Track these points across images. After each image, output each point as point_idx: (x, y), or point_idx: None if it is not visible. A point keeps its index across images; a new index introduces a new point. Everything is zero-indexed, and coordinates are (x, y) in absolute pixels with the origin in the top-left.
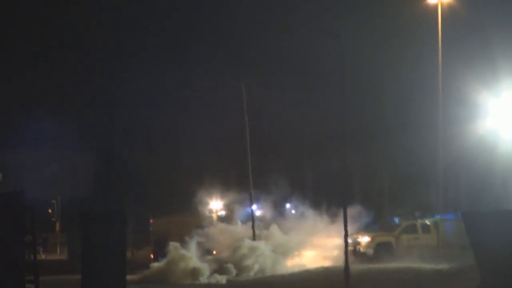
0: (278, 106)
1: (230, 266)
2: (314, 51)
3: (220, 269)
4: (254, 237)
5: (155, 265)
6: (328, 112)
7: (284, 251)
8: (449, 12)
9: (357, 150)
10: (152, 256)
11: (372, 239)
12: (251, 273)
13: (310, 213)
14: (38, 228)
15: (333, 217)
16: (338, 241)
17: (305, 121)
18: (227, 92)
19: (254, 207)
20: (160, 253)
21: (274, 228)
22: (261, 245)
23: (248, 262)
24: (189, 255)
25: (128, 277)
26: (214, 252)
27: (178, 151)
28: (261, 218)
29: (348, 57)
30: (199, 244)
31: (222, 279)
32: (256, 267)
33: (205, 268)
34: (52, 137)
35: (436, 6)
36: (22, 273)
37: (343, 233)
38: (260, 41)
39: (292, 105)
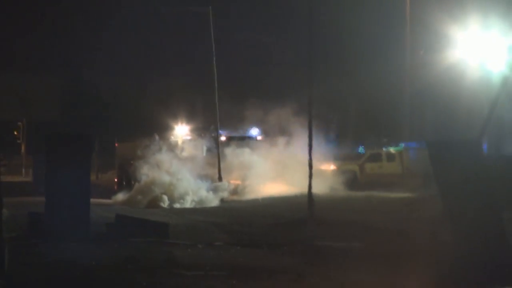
0: (246, 34)
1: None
2: None
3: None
4: (219, 167)
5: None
6: (295, 39)
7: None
8: None
9: (324, 78)
10: (116, 180)
11: (337, 167)
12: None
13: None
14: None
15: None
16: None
17: (272, 49)
18: (196, 19)
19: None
20: (124, 177)
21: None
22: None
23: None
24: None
25: (96, 200)
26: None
27: (145, 75)
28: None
29: None
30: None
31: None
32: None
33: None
34: (19, 58)
35: None
36: None
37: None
38: None
39: (258, 34)
